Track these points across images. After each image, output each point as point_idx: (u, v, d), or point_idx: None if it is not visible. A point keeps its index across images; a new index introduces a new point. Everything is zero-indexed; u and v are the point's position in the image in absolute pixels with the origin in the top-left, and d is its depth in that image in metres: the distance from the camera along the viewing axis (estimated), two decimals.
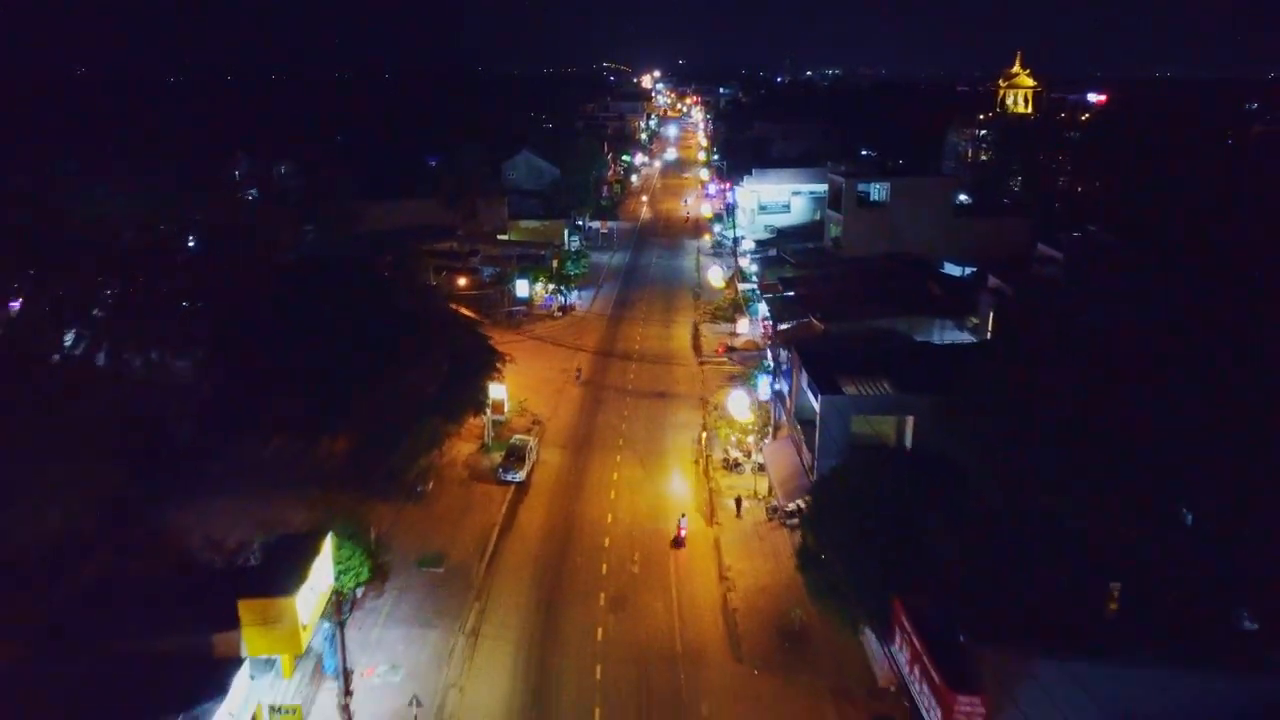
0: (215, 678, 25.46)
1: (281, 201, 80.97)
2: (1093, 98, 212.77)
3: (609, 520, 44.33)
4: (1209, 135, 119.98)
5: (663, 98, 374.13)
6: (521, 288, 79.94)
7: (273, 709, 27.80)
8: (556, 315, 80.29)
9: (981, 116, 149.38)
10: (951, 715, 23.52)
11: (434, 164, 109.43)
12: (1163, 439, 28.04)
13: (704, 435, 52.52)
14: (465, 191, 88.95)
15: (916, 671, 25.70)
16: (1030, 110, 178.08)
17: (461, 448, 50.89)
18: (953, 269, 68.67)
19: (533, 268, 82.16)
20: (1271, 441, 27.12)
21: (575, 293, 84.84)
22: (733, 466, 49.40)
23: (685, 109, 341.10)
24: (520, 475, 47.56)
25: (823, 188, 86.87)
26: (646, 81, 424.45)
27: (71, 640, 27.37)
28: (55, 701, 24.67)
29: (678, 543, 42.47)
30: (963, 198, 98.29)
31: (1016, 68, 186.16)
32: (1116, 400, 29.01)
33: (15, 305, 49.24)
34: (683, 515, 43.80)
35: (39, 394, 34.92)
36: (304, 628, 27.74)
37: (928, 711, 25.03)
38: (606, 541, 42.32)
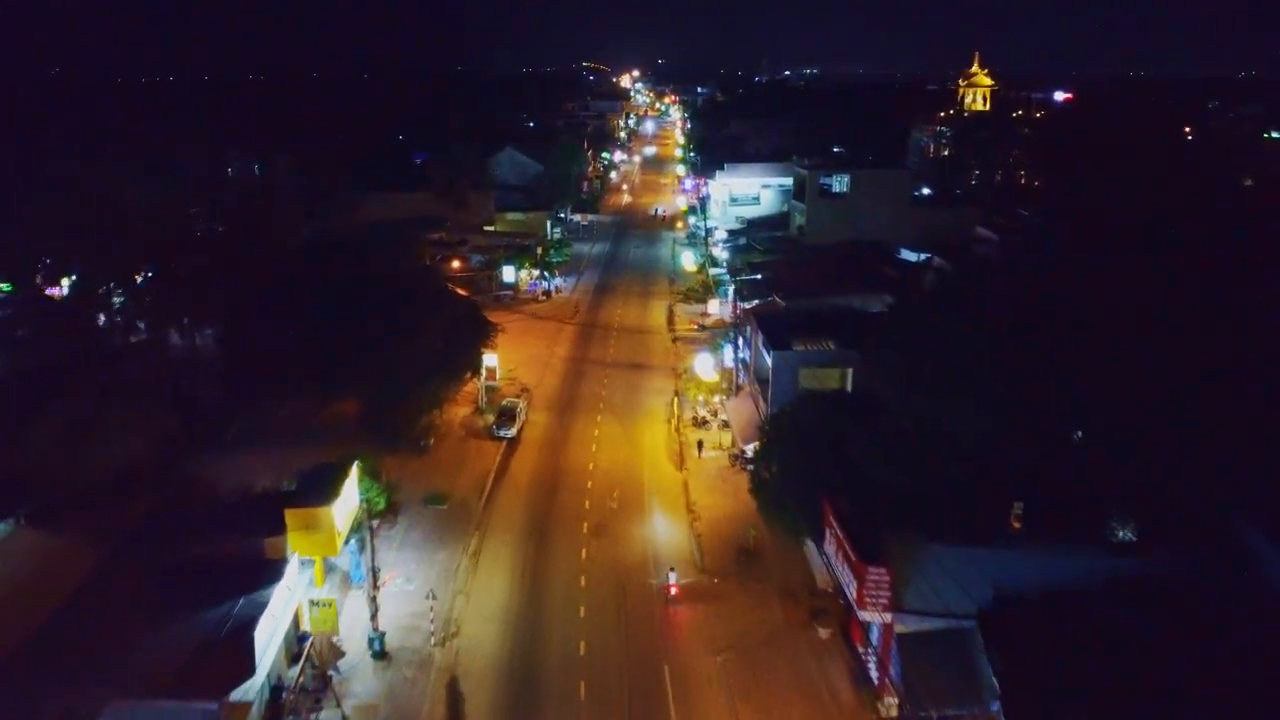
0: (271, 567, 31.19)
1: (284, 193, 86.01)
2: (1059, 96, 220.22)
3: (591, 467, 50.15)
4: (1159, 130, 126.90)
5: (642, 97, 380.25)
6: (508, 273, 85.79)
7: (312, 602, 33.41)
8: (541, 299, 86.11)
9: (942, 114, 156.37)
10: (864, 583, 29.52)
11: (420, 161, 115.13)
12: (1051, 372, 34.14)
13: (676, 399, 58.44)
14: (455, 185, 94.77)
15: (840, 557, 31.72)
16: (988, 108, 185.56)
17: (458, 411, 56.54)
18: (909, 255, 74.68)
19: (518, 255, 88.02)
20: (1145, 367, 33.11)
21: (559, 278, 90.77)
22: (701, 424, 55.31)
23: (664, 108, 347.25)
24: (512, 431, 53.33)
25: (790, 181, 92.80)
26: (626, 81, 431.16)
27: (142, 548, 33.02)
28: (141, 590, 30.25)
29: (669, 603, 37.10)
30: (925, 190, 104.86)
31: (975, 67, 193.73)
32: (1012, 344, 35.10)
33: (52, 291, 54.85)
34: (671, 569, 38.12)
35: (99, 354, 40.45)
36: (339, 534, 33.46)
37: (848, 586, 31.06)
38: (589, 484, 48.13)
